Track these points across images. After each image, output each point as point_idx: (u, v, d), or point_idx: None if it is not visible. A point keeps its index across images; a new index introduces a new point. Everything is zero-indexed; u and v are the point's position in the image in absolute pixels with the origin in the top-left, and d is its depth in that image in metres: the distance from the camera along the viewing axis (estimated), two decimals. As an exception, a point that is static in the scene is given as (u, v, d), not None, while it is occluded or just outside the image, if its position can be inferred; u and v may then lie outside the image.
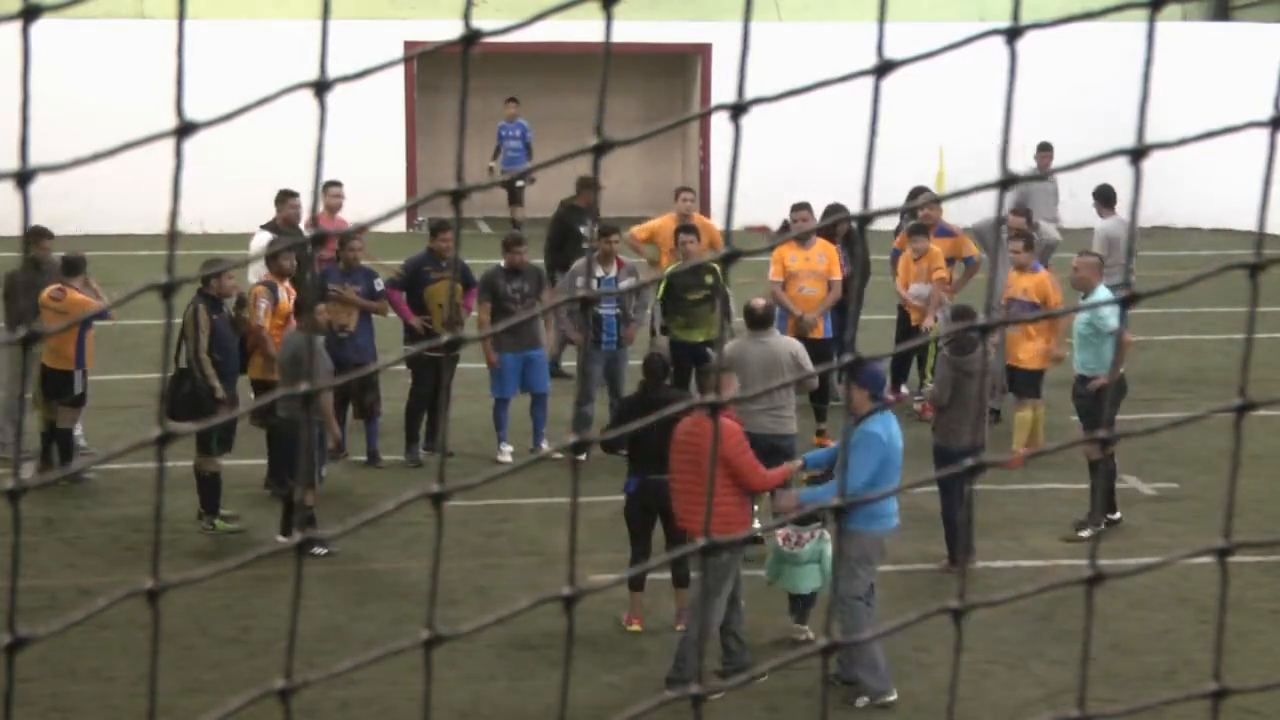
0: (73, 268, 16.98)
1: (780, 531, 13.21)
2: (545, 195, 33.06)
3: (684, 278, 17.62)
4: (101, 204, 30.57)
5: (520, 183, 30.84)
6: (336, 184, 21.17)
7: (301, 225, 19.16)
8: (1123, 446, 16.53)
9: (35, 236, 17.77)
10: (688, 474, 12.66)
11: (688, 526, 12.67)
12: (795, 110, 25.03)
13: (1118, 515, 16.01)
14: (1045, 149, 25.53)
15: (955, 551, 14.89)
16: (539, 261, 19.72)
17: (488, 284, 17.72)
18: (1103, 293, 16.03)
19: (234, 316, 16.21)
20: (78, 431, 17.59)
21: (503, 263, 17.82)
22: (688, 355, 17.74)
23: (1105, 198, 21.56)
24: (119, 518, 16.07)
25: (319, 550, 14.04)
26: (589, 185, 22.07)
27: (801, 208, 19.12)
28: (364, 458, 17.82)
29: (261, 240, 18.96)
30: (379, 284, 17.72)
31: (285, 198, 19.07)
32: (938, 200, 21.23)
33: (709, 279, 17.80)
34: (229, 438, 16.00)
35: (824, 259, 18.54)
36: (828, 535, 13.23)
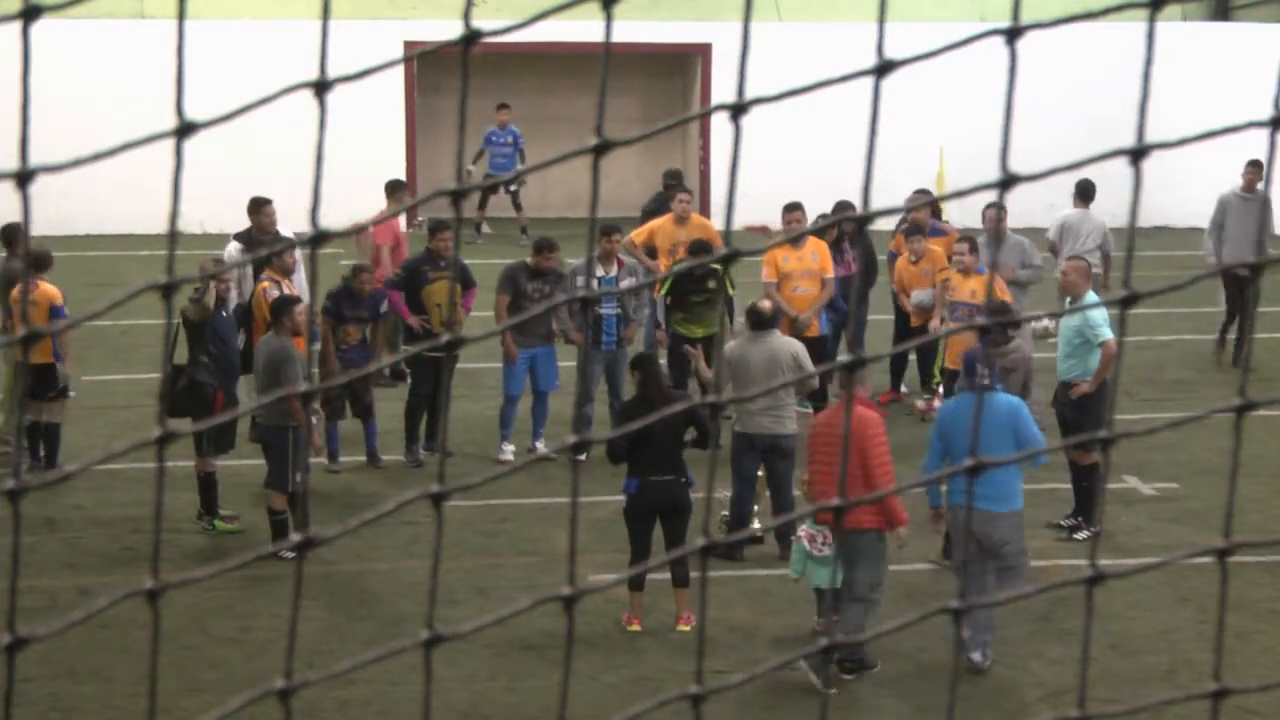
0: (41, 263, 16.88)
1: (805, 532, 13.30)
2: (549, 195, 33.10)
3: (689, 280, 17.74)
4: (101, 204, 30.57)
5: (514, 187, 31.04)
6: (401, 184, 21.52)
7: (281, 229, 19.01)
8: (1122, 446, 16.52)
9: (11, 233, 17.74)
10: (828, 463, 12.72)
11: (830, 520, 12.65)
12: (795, 110, 25.05)
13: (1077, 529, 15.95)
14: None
15: (949, 547, 15.03)
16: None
17: (509, 278, 17.73)
18: (1092, 298, 15.99)
19: (188, 306, 16.03)
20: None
21: (529, 260, 17.81)
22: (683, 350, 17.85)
23: (1085, 193, 21.58)
24: (119, 518, 16.06)
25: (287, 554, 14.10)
26: (678, 178, 22.67)
27: (794, 209, 19.11)
28: (363, 458, 17.83)
29: (232, 250, 18.76)
30: (384, 307, 17.74)
31: (259, 205, 18.78)
32: (932, 201, 21.26)
33: (711, 284, 17.86)
34: (223, 439, 16.01)
35: (817, 257, 18.56)
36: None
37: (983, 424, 12.48)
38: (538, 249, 17.89)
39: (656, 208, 21.92)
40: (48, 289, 16.77)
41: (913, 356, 20.26)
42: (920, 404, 19.24)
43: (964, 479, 11.85)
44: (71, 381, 17.35)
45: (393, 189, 21.55)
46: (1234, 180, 22.39)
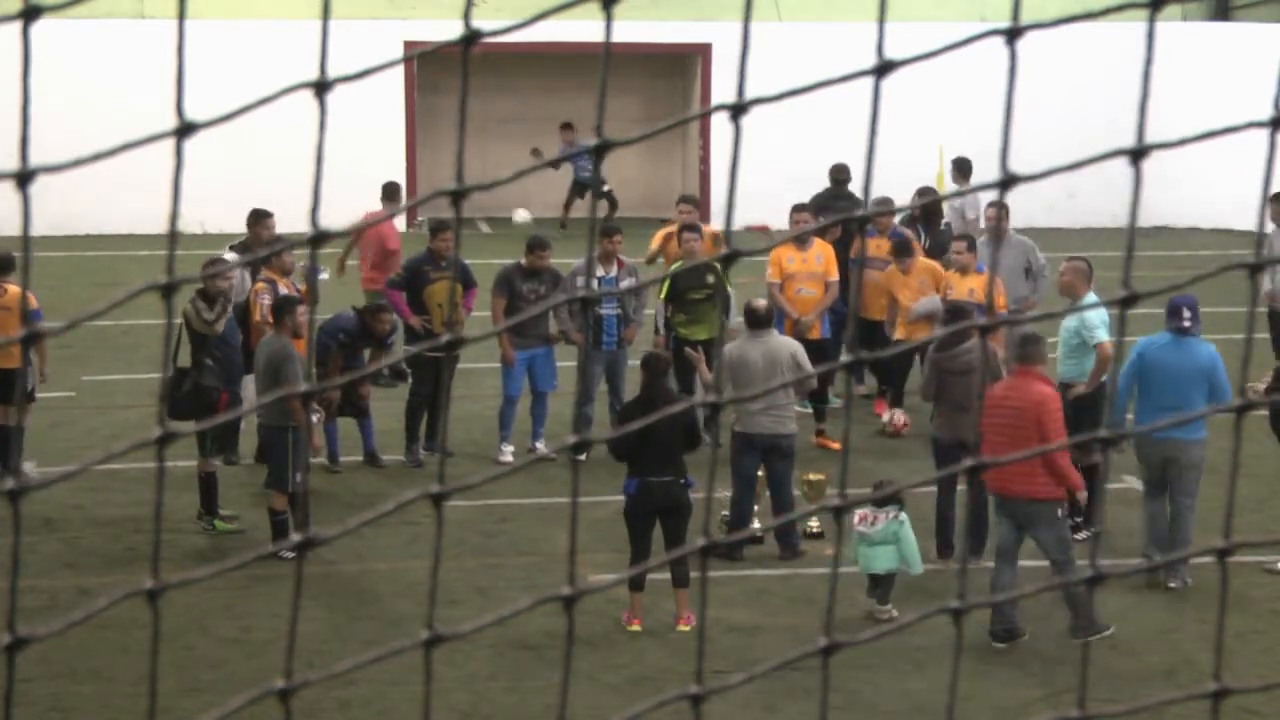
0: (4, 266, 16.76)
1: (858, 511, 13.59)
2: (549, 195, 33.09)
3: (686, 277, 17.58)
4: (102, 204, 30.58)
5: (606, 187, 31.35)
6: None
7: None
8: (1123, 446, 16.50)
9: None
10: (1005, 435, 13.06)
11: (1007, 488, 13.28)
12: (795, 110, 25.04)
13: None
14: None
15: (942, 545, 15.04)
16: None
17: (505, 280, 17.71)
18: (1090, 300, 15.95)
19: (190, 309, 16.00)
20: None
21: (523, 262, 17.80)
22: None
23: (963, 169, 22.57)
24: (119, 518, 16.07)
25: (287, 554, 14.09)
26: (844, 172, 22.33)
27: (801, 209, 19.10)
28: (361, 458, 17.81)
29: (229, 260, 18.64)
30: (392, 339, 17.74)
31: (259, 218, 18.61)
32: (896, 210, 21.18)
33: (710, 279, 17.79)
34: (224, 439, 16.01)
35: (822, 260, 18.53)
36: (905, 517, 13.73)
37: (1182, 366, 14.16)
38: (530, 248, 17.86)
39: (828, 201, 21.59)
40: (19, 292, 16.61)
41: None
42: (895, 417, 18.73)
43: (1157, 413, 13.26)
44: (47, 382, 17.19)
45: (390, 193, 21.52)
46: (1250, 178, 22.24)
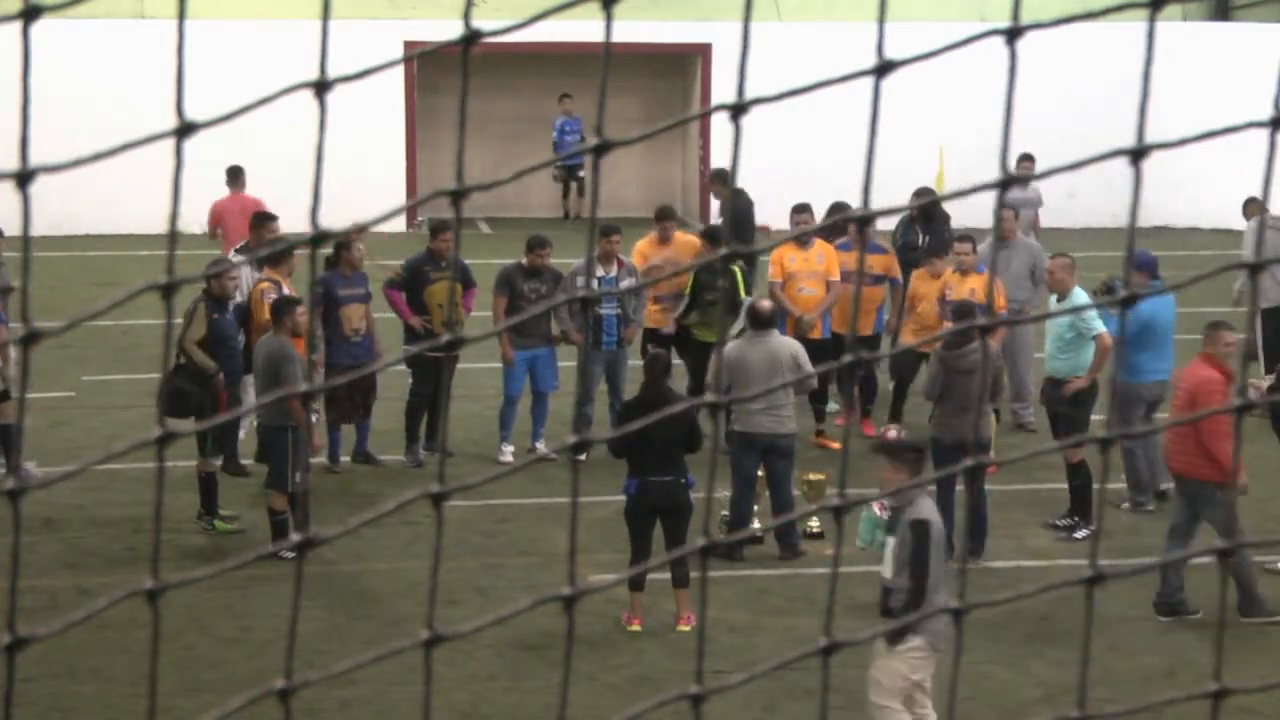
0: None
1: (877, 502, 13.62)
2: (548, 195, 33.10)
3: (706, 275, 17.69)
4: (102, 204, 30.58)
5: (583, 173, 31.83)
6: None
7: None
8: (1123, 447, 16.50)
9: None
10: (1174, 417, 14.00)
11: (1182, 469, 13.94)
12: (795, 110, 25.04)
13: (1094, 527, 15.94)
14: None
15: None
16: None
17: (506, 279, 17.70)
18: (1080, 294, 16.00)
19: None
20: None
21: (524, 261, 17.79)
22: (702, 354, 17.87)
23: (721, 178, 23.38)
24: (119, 518, 16.07)
25: (287, 554, 14.07)
26: (722, 176, 22.83)
27: (802, 210, 19.08)
28: (359, 459, 17.79)
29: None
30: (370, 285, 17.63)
31: (263, 221, 18.55)
32: (875, 214, 21.11)
33: (722, 282, 17.78)
34: (223, 439, 16.00)
35: (823, 259, 18.52)
36: None
37: (1170, 314, 15.82)
38: (530, 247, 17.85)
39: (742, 205, 21.50)
40: None
41: (891, 384, 19.51)
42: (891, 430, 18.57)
43: (1161, 360, 15.29)
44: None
45: (234, 175, 21.30)
46: (1250, 178, 22.19)
